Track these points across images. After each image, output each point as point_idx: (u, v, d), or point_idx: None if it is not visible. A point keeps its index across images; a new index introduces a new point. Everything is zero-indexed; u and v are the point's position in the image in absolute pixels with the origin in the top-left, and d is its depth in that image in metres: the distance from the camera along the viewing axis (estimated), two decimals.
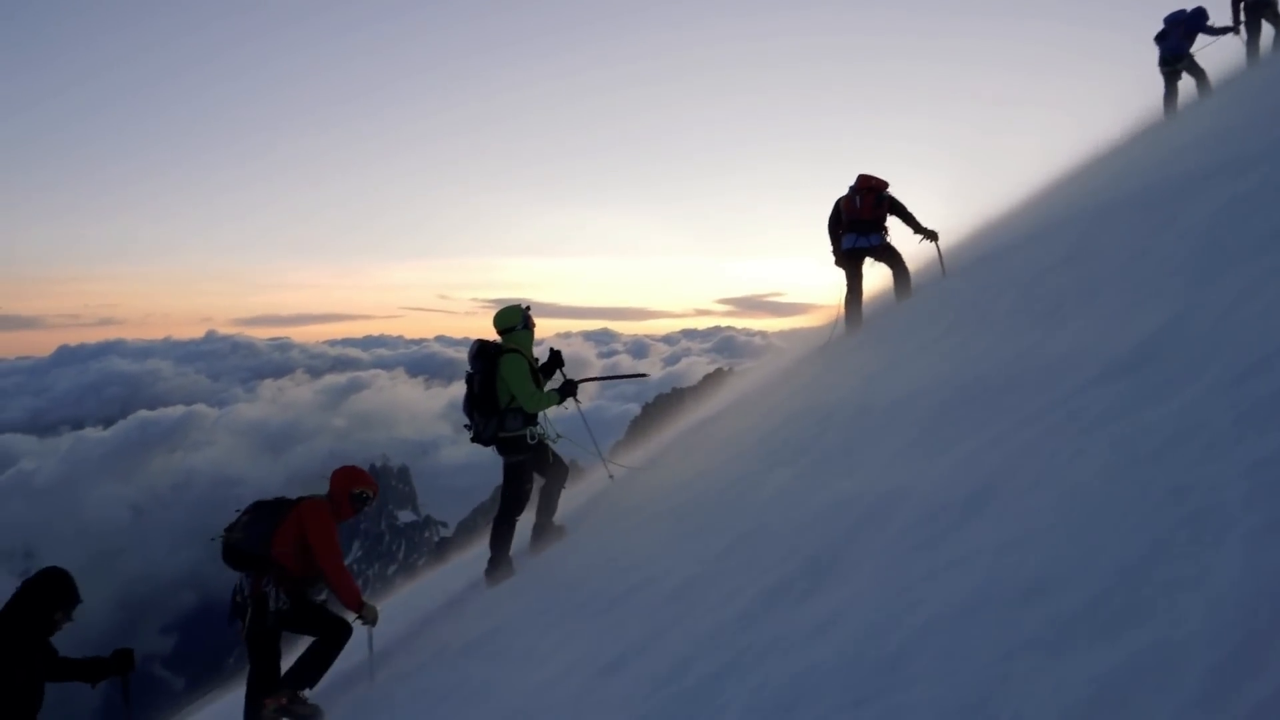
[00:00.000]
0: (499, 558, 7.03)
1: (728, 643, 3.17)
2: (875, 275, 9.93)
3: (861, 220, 9.36)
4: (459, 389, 7.14)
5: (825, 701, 2.42)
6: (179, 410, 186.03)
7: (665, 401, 62.79)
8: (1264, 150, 5.64)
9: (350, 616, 6.00)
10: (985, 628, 2.30)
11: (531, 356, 7.07)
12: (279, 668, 5.90)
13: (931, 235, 9.58)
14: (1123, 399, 3.18)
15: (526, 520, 7.32)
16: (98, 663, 5.34)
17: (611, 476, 8.39)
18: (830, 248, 9.71)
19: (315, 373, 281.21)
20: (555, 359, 7.46)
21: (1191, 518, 2.24)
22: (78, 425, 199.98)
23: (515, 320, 7.05)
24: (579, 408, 7.43)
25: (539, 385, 6.94)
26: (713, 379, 41.10)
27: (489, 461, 7.25)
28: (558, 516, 7.38)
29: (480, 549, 9.35)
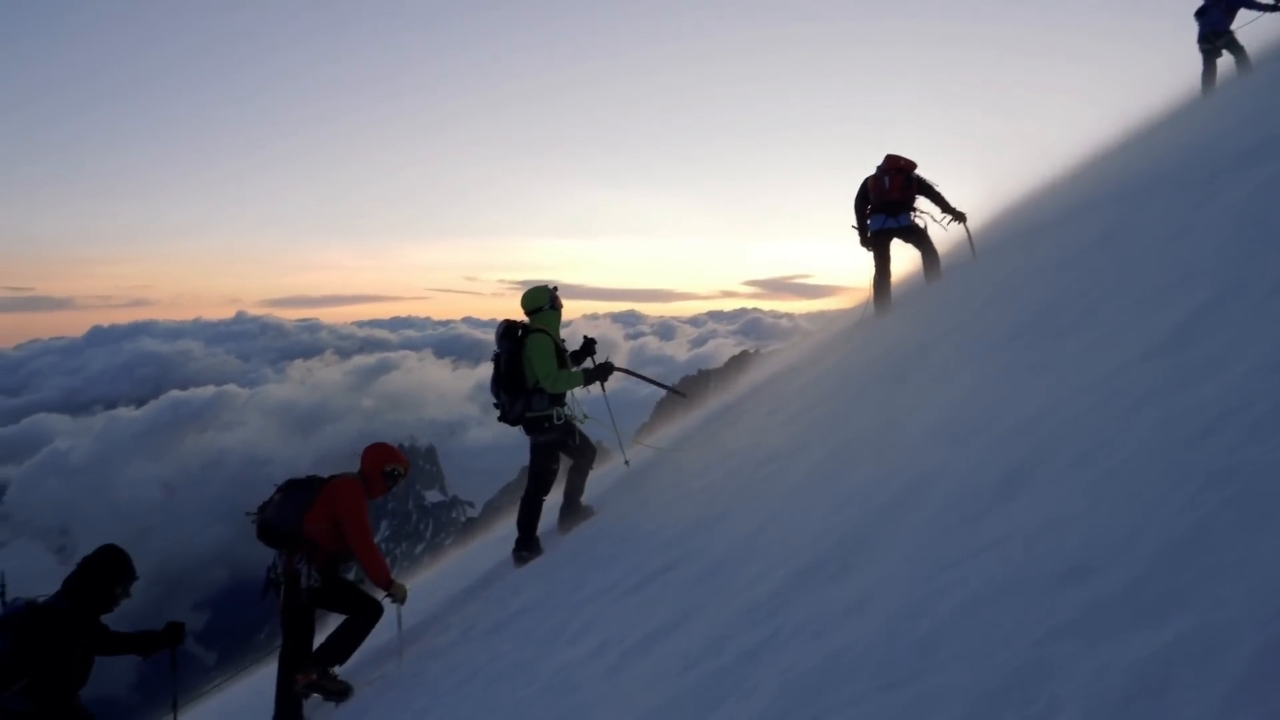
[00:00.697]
0: (527, 537, 7.05)
1: (759, 623, 3.16)
2: (903, 258, 9.84)
3: (890, 201, 9.27)
4: (486, 370, 7.18)
5: (857, 684, 2.40)
6: (210, 390, 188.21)
7: (691, 383, 62.75)
8: None
9: (379, 594, 6.05)
10: (1020, 611, 2.27)
11: (558, 337, 7.07)
12: (311, 644, 5.97)
13: (960, 216, 9.48)
14: (1164, 379, 3.12)
15: (554, 500, 7.34)
16: (150, 636, 5.55)
17: (627, 462, 8.39)
18: (855, 228, 9.62)
19: (344, 354, 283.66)
20: (588, 346, 7.45)
21: (1234, 500, 2.19)
22: (111, 405, 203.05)
23: (542, 301, 7.06)
24: (603, 392, 7.44)
25: (565, 366, 6.95)
26: (738, 361, 41.02)
27: (515, 442, 7.27)
28: (585, 497, 7.40)
29: (507, 529, 9.38)
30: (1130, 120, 14.30)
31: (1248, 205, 4.61)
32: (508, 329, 6.99)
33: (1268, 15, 12.57)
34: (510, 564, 7.21)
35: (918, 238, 9.45)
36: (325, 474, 6.26)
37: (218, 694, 5.55)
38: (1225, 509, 2.18)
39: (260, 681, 6.16)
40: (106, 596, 5.20)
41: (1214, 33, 12.72)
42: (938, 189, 9.34)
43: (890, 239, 9.50)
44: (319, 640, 6.03)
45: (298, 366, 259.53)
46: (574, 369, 7.06)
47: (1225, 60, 12.81)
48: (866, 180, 9.48)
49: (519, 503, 7.19)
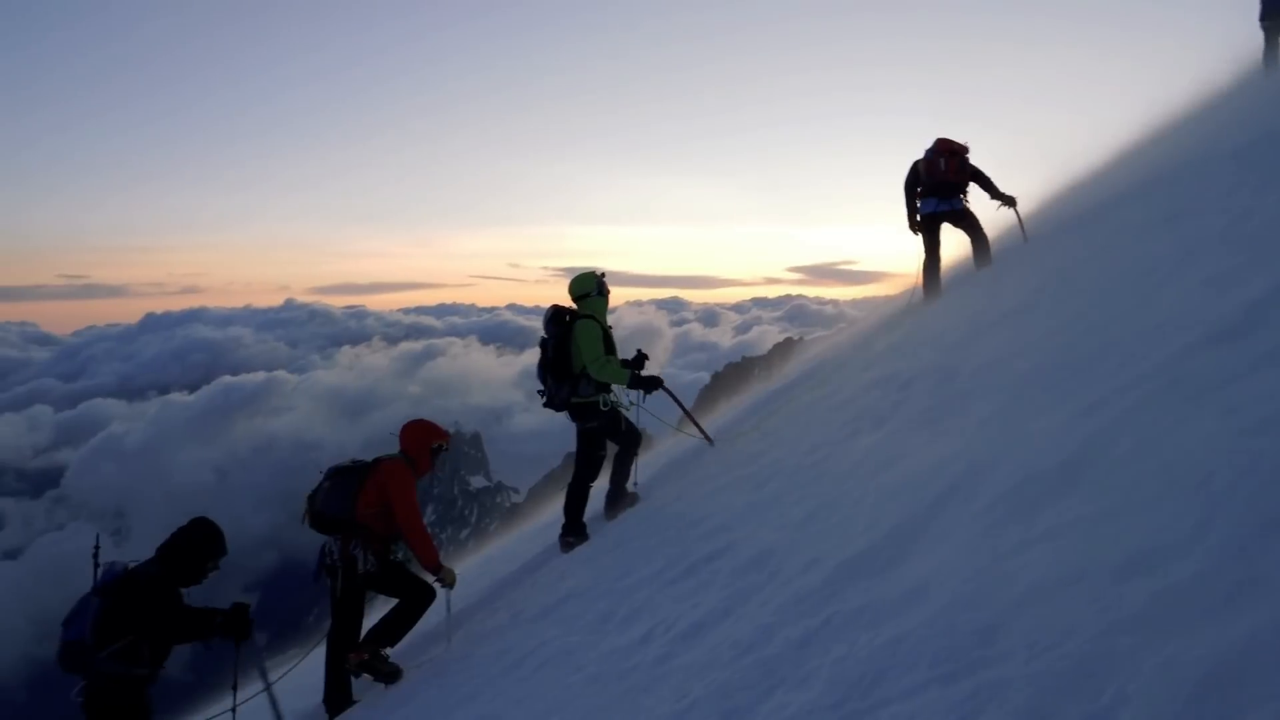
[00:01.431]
0: (573, 524, 7.07)
1: (810, 611, 3.12)
2: (951, 243, 9.68)
3: (946, 183, 9.12)
4: (531, 357, 7.18)
5: (914, 674, 2.36)
6: (260, 376, 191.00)
7: (735, 370, 62.57)
8: None
9: (428, 578, 6.10)
10: (1084, 601, 2.21)
11: (606, 323, 7.06)
12: (360, 626, 6.04)
13: (1010, 201, 9.31)
14: (1229, 365, 3.02)
15: (600, 487, 7.34)
16: (213, 616, 5.27)
17: (711, 441, 8.23)
18: (906, 211, 9.46)
19: (391, 340, 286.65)
20: (639, 360, 7.36)
21: None
22: (164, 390, 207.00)
23: (590, 287, 7.06)
24: (640, 403, 7.39)
25: (613, 352, 6.94)
26: (783, 348, 40.79)
27: (560, 428, 7.28)
28: (631, 483, 7.39)
29: (552, 515, 9.40)
30: (1189, 100, 13.94)
31: None
32: (555, 314, 7.00)
33: None
34: (556, 549, 7.23)
35: (968, 222, 9.29)
36: (368, 458, 6.31)
37: (272, 674, 5.61)
38: None
39: (310, 662, 6.24)
40: (198, 569, 5.26)
41: (1276, 10, 12.32)
42: (987, 174, 9.19)
43: (941, 223, 9.35)
44: (368, 623, 6.10)
45: (346, 353, 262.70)
46: (622, 367, 6.97)
47: None
48: (917, 163, 9.31)
49: (565, 489, 7.21)
